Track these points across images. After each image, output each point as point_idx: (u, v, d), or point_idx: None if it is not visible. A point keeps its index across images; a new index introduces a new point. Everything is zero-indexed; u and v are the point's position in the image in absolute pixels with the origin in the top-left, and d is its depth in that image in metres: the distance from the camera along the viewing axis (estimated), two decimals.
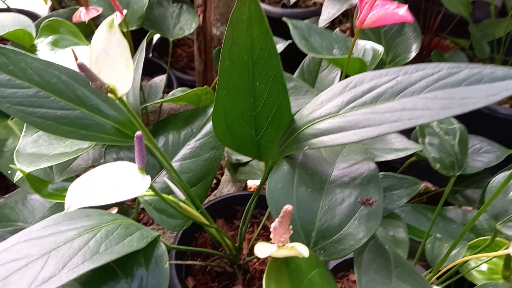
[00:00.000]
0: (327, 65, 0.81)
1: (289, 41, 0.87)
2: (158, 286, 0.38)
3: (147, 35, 0.81)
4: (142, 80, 1.06)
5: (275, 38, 0.82)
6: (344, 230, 0.39)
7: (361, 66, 0.67)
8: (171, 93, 0.80)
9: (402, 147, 0.59)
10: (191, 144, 0.62)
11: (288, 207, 0.32)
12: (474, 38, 0.96)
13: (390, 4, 0.57)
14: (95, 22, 0.82)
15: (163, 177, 0.59)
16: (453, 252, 0.52)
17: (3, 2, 1.09)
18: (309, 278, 0.34)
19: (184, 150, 0.61)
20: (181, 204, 0.49)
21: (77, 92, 0.51)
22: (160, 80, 0.93)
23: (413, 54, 0.84)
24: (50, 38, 0.71)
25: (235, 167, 0.75)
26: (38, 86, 0.50)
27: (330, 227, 0.40)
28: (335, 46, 0.76)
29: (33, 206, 0.62)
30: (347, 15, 1.17)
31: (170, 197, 0.49)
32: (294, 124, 0.45)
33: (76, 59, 0.63)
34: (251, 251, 0.63)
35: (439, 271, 0.51)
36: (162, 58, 1.24)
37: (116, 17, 0.66)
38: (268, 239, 0.67)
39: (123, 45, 0.38)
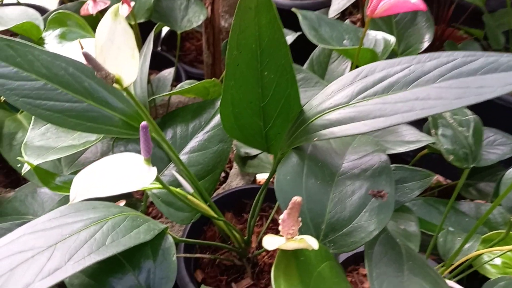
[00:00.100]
0: (337, 56, 0.80)
1: (298, 33, 0.85)
2: (166, 278, 0.38)
3: (155, 27, 0.81)
4: (150, 73, 1.06)
5: (284, 30, 0.81)
6: (355, 223, 0.38)
7: (372, 57, 0.66)
8: (179, 85, 0.79)
9: (414, 139, 0.58)
10: (199, 137, 0.61)
11: (297, 198, 0.31)
12: (488, 28, 0.94)
13: None
14: (103, 14, 0.81)
15: (171, 170, 0.58)
16: (466, 245, 0.50)
17: None
18: (319, 271, 0.33)
19: (192, 143, 0.61)
20: (189, 197, 0.49)
21: (84, 85, 0.51)
22: (168, 73, 0.92)
23: (425, 44, 0.82)
24: (58, 31, 0.71)
25: (244, 160, 0.74)
26: (46, 79, 0.49)
27: (340, 220, 0.39)
28: (345, 37, 0.75)
29: (43, 199, 0.62)
30: (358, 6, 1.15)
31: (178, 190, 0.48)
32: (303, 115, 0.44)
33: (82, 49, 0.63)
34: (260, 245, 0.63)
35: (452, 265, 0.50)
36: (171, 51, 1.24)
37: (122, 6, 0.65)
38: (277, 233, 0.67)
39: (128, 34, 0.37)
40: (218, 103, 0.64)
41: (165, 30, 1.28)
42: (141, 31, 0.84)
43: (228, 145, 0.60)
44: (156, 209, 0.77)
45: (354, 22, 1.11)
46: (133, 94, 0.53)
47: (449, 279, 0.52)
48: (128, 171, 0.35)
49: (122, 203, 0.52)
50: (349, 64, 0.76)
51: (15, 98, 0.48)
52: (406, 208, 0.56)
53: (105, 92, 0.52)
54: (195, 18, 0.92)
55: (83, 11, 0.73)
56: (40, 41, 0.71)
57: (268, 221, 0.63)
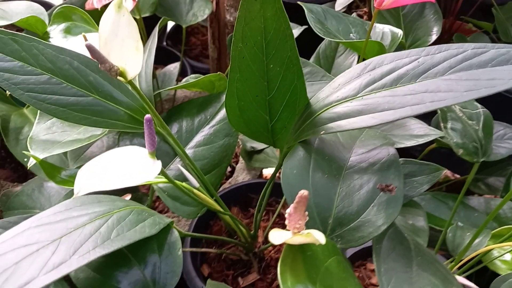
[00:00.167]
0: (344, 50, 0.79)
1: (304, 27, 0.84)
2: (172, 272, 0.38)
3: (160, 21, 0.80)
4: (156, 68, 1.06)
5: (290, 24, 0.80)
6: (362, 217, 0.38)
7: (379, 50, 0.65)
8: (184, 79, 0.79)
9: (422, 133, 0.57)
10: (205, 131, 0.61)
11: (303, 192, 0.31)
12: (498, 20, 0.92)
13: None
14: None
15: (177, 164, 0.58)
16: (476, 241, 0.50)
17: None
18: (326, 266, 0.32)
19: (198, 137, 0.60)
20: (195, 191, 0.48)
21: (89, 78, 0.51)
22: (174, 67, 0.92)
23: (433, 37, 0.81)
24: (62, 26, 0.71)
25: (250, 154, 0.74)
26: (50, 73, 0.49)
27: (348, 214, 0.38)
28: (352, 30, 0.74)
29: (50, 193, 0.62)
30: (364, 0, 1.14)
31: (184, 184, 0.48)
32: (310, 108, 0.44)
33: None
34: (266, 239, 0.63)
35: (461, 260, 0.50)
36: (176, 46, 1.23)
37: (127, 1, 0.65)
38: (284, 227, 0.67)
39: (132, 26, 0.37)
40: (224, 97, 0.63)
41: (170, 25, 1.28)
42: (146, 26, 0.84)
43: (234, 139, 0.60)
44: (162, 203, 0.77)
45: (360, 16, 1.10)
46: (138, 88, 0.53)
47: (458, 274, 0.51)
48: (132, 164, 0.35)
49: (128, 197, 0.52)
50: (356, 58, 0.75)
51: (20, 93, 0.48)
52: (414, 203, 0.55)
53: (110, 86, 0.52)
54: (200, 12, 0.91)
55: (88, 5, 0.73)
56: (45, 36, 0.71)
57: (275, 215, 0.62)
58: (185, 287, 0.57)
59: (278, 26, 0.41)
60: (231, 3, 0.91)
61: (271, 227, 0.64)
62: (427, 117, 0.53)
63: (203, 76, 0.66)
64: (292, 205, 0.32)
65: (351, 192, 0.40)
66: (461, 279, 0.42)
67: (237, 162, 0.83)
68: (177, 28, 1.28)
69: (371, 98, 0.40)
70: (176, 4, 0.93)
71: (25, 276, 0.29)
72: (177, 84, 0.89)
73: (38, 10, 0.74)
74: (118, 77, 0.39)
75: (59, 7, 0.72)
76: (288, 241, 0.31)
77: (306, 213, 0.32)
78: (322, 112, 0.42)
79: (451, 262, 0.53)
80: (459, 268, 0.51)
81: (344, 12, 0.79)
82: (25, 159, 0.65)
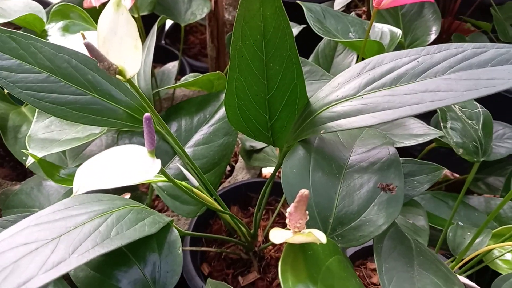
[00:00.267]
0: (343, 49, 0.79)
1: (303, 26, 0.84)
2: (171, 271, 0.37)
3: (158, 20, 0.80)
4: (154, 67, 1.06)
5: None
6: (363, 217, 0.38)
7: (378, 49, 0.65)
8: (183, 78, 0.79)
9: (422, 133, 0.57)
10: (204, 130, 0.61)
11: (304, 191, 0.31)
12: (496, 20, 0.92)
13: None
14: None
15: (176, 163, 0.58)
16: (477, 240, 0.50)
17: None
18: (327, 265, 0.32)
19: (197, 136, 0.60)
20: (195, 190, 0.48)
21: (87, 77, 0.50)
22: (172, 66, 0.92)
23: (432, 36, 0.81)
24: (60, 24, 0.71)
25: (249, 154, 0.74)
26: (49, 71, 0.49)
27: (348, 213, 0.38)
28: (351, 30, 0.74)
29: (49, 192, 0.62)
30: None
31: (183, 183, 0.48)
32: (310, 107, 0.43)
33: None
34: (266, 238, 0.62)
35: (462, 260, 0.49)
36: (175, 45, 1.23)
37: (127, 1, 0.65)
38: (283, 226, 0.66)
39: (131, 25, 0.37)
40: (223, 96, 0.63)
41: (168, 23, 1.28)
42: (144, 24, 0.84)
43: (233, 138, 0.60)
44: (161, 202, 0.77)
45: (359, 15, 1.10)
46: (137, 86, 0.53)
47: (459, 274, 0.51)
48: (131, 163, 0.35)
49: (127, 196, 0.51)
50: (355, 57, 0.75)
51: (19, 91, 0.47)
52: (414, 202, 0.55)
53: (109, 85, 0.51)
54: (198, 11, 0.91)
55: (86, 3, 0.72)
56: (43, 34, 0.71)
57: (275, 214, 0.62)
58: (185, 286, 0.56)
59: (278, 25, 0.41)
60: (229, 1, 0.91)
61: (271, 226, 0.64)
62: (426, 117, 0.53)
63: (202, 75, 0.65)
64: (292, 205, 0.31)
65: (352, 191, 0.40)
66: (462, 279, 0.42)
67: (236, 161, 0.83)
68: (175, 26, 1.27)
69: (371, 97, 0.40)
70: (175, 2, 0.93)
71: (24, 275, 0.29)
72: (176, 82, 0.89)
73: (36, 8, 0.73)
74: (117, 76, 0.39)
75: (57, 5, 0.71)
76: (289, 240, 0.31)
77: (307, 212, 0.32)
78: (322, 111, 0.42)
79: (452, 261, 0.53)
80: (460, 267, 0.51)
81: (342, 11, 0.79)
82: (24, 158, 0.65)
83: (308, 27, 0.68)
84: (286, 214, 0.32)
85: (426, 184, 0.48)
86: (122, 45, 0.37)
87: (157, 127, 0.53)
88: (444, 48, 0.40)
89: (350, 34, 0.73)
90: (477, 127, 0.52)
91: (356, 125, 0.38)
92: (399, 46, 0.82)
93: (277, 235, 0.32)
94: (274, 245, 0.60)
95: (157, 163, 0.35)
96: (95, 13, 0.75)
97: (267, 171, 0.86)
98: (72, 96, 0.50)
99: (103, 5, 0.73)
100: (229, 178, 0.78)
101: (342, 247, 0.37)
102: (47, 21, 0.71)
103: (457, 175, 0.84)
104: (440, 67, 0.39)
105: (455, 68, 0.38)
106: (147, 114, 0.34)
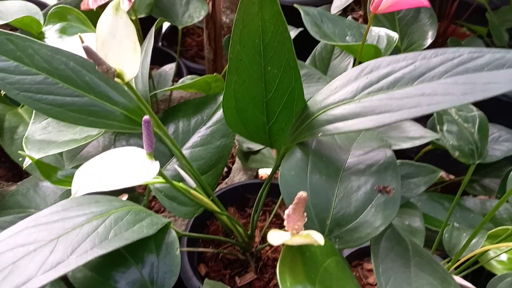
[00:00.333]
0: (340, 52, 0.79)
1: (300, 29, 0.85)
2: (169, 272, 0.37)
3: (156, 22, 0.80)
4: (151, 69, 1.06)
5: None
6: (361, 218, 0.38)
7: (375, 53, 0.66)
8: (180, 80, 0.79)
9: (418, 135, 0.57)
10: (202, 132, 0.61)
11: (302, 193, 0.31)
12: (492, 25, 0.93)
13: None
14: (103, 9, 0.81)
15: (174, 165, 0.58)
16: (472, 241, 0.50)
17: None
18: (325, 266, 0.33)
19: (195, 138, 0.60)
20: (192, 191, 0.48)
21: (85, 79, 0.50)
22: (169, 68, 0.92)
23: (429, 41, 0.82)
24: (58, 26, 0.71)
25: (246, 155, 0.74)
26: (46, 73, 0.49)
27: (346, 215, 0.39)
28: (348, 33, 0.74)
29: (45, 193, 0.62)
30: (360, 3, 1.14)
31: (181, 184, 0.48)
32: (308, 110, 0.44)
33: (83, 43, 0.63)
34: (263, 239, 0.63)
35: (458, 260, 0.50)
36: (172, 47, 1.23)
37: (123, 3, 0.65)
38: (280, 227, 0.67)
39: (130, 28, 0.37)
40: (220, 98, 0.64)
41: (165, 25, 1.28)
42: (142, 27, 0.84)
43: (230, 140, 0.60)
44: (158, 203, 0.77)
45: (356, 19, 1.11)
46: (135, 89, 0.53)
47: (455, 275, 0.51)
48: (130, 165, 0.35)
49: (125, 197, 0.51)
50: (351, 60, 0.76)
51: (16, 92, 0.47)
52: (410, 204, 0.56)
53: (107, 87, 0.52)
54: (196, 13, 0.91)
55: (83, 5, 0.72)
56: (40, 36, 0.71)
57: (271, 215, 0.62)
58: (182, 287, 0.56)
59: (276, 29, 0.41)
60: (227, 4, 0.91)
61: (268, 227, 0.64)
62: (423, 119, 0.53)
63: (199, 77, 0.66)
64: (291, 206, 0.32)
65: (349, 193, 0.40)
66: (459, 279, 0.42)
67: (233, 163, 0.83)
68: (172, 28, 1.28)
69: (368, 100, 0.40)
70: (172, 5, 0.93)
71: (23, 275, 0.29)
72: (173, 84, 0.89)
73: (33, 10, 0.73)
74: (116, 79, 0.39)
75: (54, 7, 0.71)
76: (287, 242, 0.31)
77: (305, 214, 0.32)
78: (319, 114, 0.42)
79: (448, 262, 0.53)
80: (456, 268, 0.52)
81: (339, 15, 0.80)
82: (20, 159, 0.65)
83: (305, 30, 0.68)
84: (284, 216, 0.32)
85: (423, 186, 0.49)
86: (121, 48, 0.37)
87: (154, 128, 0.53)
88: (440, 53, 0.40)
89: (347, 37, 0.74)
90: (473, 130, 0.52)
91: (354, 128, 0.39)
92: (396, 50, 0.83)
93: (275, 237, 0.32)
94: (271, 245, 0.60)
95: (156, 165, 0.35)
96: (92, 15, 0.75)
97: (264, 172, 0.86)
98: (70, 97, 0.50)
99: (101, 7, 0.73)
100: (226, 179, 0.78)
101: (340, 248, 0.37)
102: (44, 23, 0.71)
103: (453, 177, 0.85)
104: (436, 71, 0.39)
105: (452, 72, 0.39)
106: (146, 117, 0.35)
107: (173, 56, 1.15)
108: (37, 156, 0.51)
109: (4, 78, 0.47)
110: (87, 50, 0.36)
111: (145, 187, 0.71)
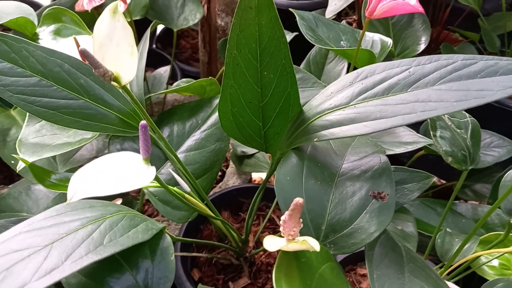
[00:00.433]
0: (334, 57, 0.80)
1: (295, 33, 0.85)
2: (164, 278, 0.37)
3: (151, 25, 0.80)
4: (146, 71, 1.05)
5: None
6: (355, 224, 0.38)
7: (370, 58, 0.66)
8: (175, 83, 0.79)
9: (411, 141, 0.58)
10: (196, 136, 0.61)
11: (298, 199, 0.31)
12: (484, 31, 0.94)
13: None
14: (98, 11, 0.81)
15: (168, 169, 0.58)
16: (465, 247, 0.51)
17: None
18: (320, 272, 0.33)
19: (189, 142, 0.60)
20: (187, 195, 0.48)
21: (80, 81, 0.50)
22: (164, 71, 0.91)
23: (422, 46, 0.83)
24: (52, 27, 0.70)
25: (240, 159, 0.74)
26: (41, 75, 0.49)
27: (341, 221, 0.39)
28: (342, 38, 0.75)
29: (37, 197, 0.61)
30: (354, 7, 1.15)
31: (175, 188, 0.48)
32: (303, 115, 0.44)
33: (79, 46, 0.62)
34: (257, 244, 0.63)
35: (450, 266, 0.50)
36: (166, 49, 1.23)
37: (120, 5, 0.65)
38: (274, 232, 0.67)
39: (127, 31, 0.37)
40: (215, 101, 0.64)
41: (160, 27, 1.28)
42: (137, 29, 0.84)
43: (225, 144, 0.60)
44: (151, 207, 0.77)
45: (350, 23, 1.11)
46: (131, 92, 0.53)
47: (447, 280, 0.52)
48: (127, 170, 0.35)
49: (119, 201, 0.51)
50: (345, 65, 0.76)
51: (9, 95, 0.47)
52: (403, 209, 0.56)
53: (102, 90, 0.51)
54: (191, 16, 0.91)
55: (78, 7, 0.72)
56: (34, 37, 0.70)
57: (265, 220, 0.62)
58: None
59: (273, 34, 0.41)
60: (222, 8, 0.91)
61: (262, 232, 0.64)
62: (415, 124, 0.54)
63: (194, 81, 0.66)
64: (287, 213, 0.32)
65: (344, 199, 0.40)
66: (451, 285, 0.43)
67: (227, 167, 0.83)
68: (167, 31, 1.27)
69: (364, 106, 0.40)
70: (167, 7, 0.93)
71: (17, 282, 0.29)
72: (167, 87, 0.89)
73: (28, 11, 0.73)
74: (112, 82, 0.39)
75: (48, 8, 0.71)
76: (283, 248, 0.31)
77: (301, 220, 0.32)
78: (315, 120, 0.42)
79: (441, 267, 0.53)
80: (448, 274, 0.52)
81: (333, 19, 0.80)
82: (13, 162, 0.64)
83: (299, 34, 0.68)
84: (280, 222, 0.32)
85: (417, 192, 0.49)
86: (118, 52, 0.37)
87: (149, 132, 0.53)
88: (435, 59, 0.41)
89: (341, 42, 0.74)
90: (465, 136, 0.53)
91: (349, 133, 0.39)
92: (389, 55, 0.83)
93: (271, 243, 0.32)
94: (265, 250, 0.60)
95: (152, 170, 0.35)
96: (87, 17, 0.75)
97: (257, 176, 0.86)
98: (64, 100, 0.49)
99: (95, 9, 0.73)
100: (220, 183, 0.78)
101: (334, 254, 0.38)
102: (38, 24, 0.70)
103: (444, 182, 0.86)
104: (431, 78, 0.40)
105: (446, 79, 0.39)
106: (143, 122, 0.35)
107: (167, 58, 1.14)
108: (30, 159, 0.50)
109: None
110: (84, 53, 0.36)
111: (138, 190, 0.71)
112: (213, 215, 0.51)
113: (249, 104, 0.46)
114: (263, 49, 0.42)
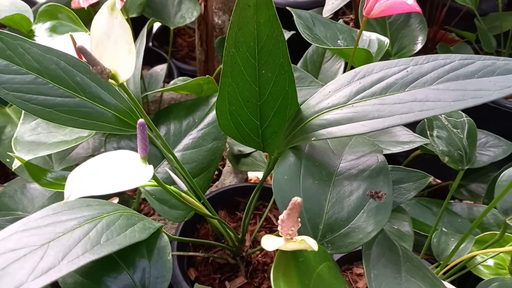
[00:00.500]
0: (331, 56, 0.80)
1: (292, 32, 0.85)
2: (161, 277, 0.37)
3: (148, 22, 0.80)
4: (142, 69, 1.05)
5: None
6: (353, 223, 0.38)
7: (367, 57, 0.66)
8: (172, 82, 0.78)
9: (408, 140, 0.58)
10: (193, 134, 0.61)
11: (296, 199, 0.31)
12: (480, 31, 0.95)
13: None
14: (94, 8, 0.80)
15: (165, 167, 0.57)
16: (460, 247, 0.51)
17: None
18: (318, 272, 0.33)
19: (186, 140, 0.60)
20: (183, 194, 0.48)
21: (76, 79, 0.50)
22: (160, 69, 0.91)
23: (419, 46, 0.83)
24: (48, 24, 0.70)
25: (237, 158, 0.74)
26: (37, 72, 0.48)
27: (338, 220, 0.39)
28: (339, 37, 0.75)
29: (33, 195, 0.61)
30: (351, 6, 1.15)
31: (172, 187, 0.48)
32: (301, 115, 0.44)
33: (75, 44, 0.62)
34: (253, 243, 0.63)
35: (446, 265, 0.51)
36: (162, 47, 1.22)
37: (117, 3, 0.64)
38: (271, 231, 0.67)
39: (125, 29, 0.37)
40: (212, 100, 0.63)
41: (156, 25, 1.27)
42: (133, 26, 0.83)
43: (222, 143, 0.60)
44: (147, 206, 0.77)
45: (347, 22, 1.11)
46: (129, 90, 0.52)
47: (443, 280, 0.52)
48: (124, 169, 0.34)
49: (115, 200, 0.51)
50: (342, 64, 0.76)
51: (5, 92, 0.47)
52: (399, 208, 0.56)
53: (98, 88, 0.51)
54: (188, 14, 0.91)
55: (74, 4, 0.72)
56: (30, 34, 0.70)
57: (262, 219, 0.62)
58: None
59: (271, 32, 0.41)
60: (219, 6, 0.91)
61: (259, 231, 0.64)
62: (412, 124, 0.54)
63: (191, 79, 0.65)
64: (285, 212, 0.32)
65: (341, 198, 0.40)
66: (448, 285, 0.43)
67: (224, 166, 0.83)
68: (163, 28, 1.27)
69: (361, 106, 0.40)
70: (164, 5, 0.92)
71: (13, 281, 0.28)
72: (164, 86, 0.89)
73: (23, 7, 0.72)
74: (109, 80, 0.38)
75: (44, 5, 0.70)
76: (281, 247, 0.31)
77: (299, 219, 0.32)
78: (312, 119, 0.42)
79: (436, 267, 0.54)
80: (444, 273, 0.52)
81: (330, 18, 0.80)
82: (8, 160, 0.63)
83: (297, 33, 0.68)
84: (278, 221, 0.32)
85: (413, 192, 0.49)
86: (116, 49, 0.37)
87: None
88: (432, 59, 0.41)
89: (338, 41, 0.74)
90: (462, 136, 0.53)
91: (347, 133, 0.39)
92: (386, 54, 0.84)
93: (269, 242, 0.32)
94: (261, 250, 0.60)
95: (150, 169, 0.35)
96: (83, 14, 0.75)
97: (254, 175, 0.86)
98: (60, 98, 0.49)
99: (92, 6, 0.73)
100: (217, 182, 0.78)
101: (331, 253, 0.38)
102: (34, 21, 0.70)
103: (440, 181, 0.86)
104: (428, 77, 0.40)
105: (443, 78, 0.39)
106: (141, 120, 0.34)
107: (164, 56, 1.14)
108: (26, 157, 0.50)
109: None
110: (82, 50, 0.36)
111: (135, 189, 0.70)
112: (210, 214, 0.51)
113: (247, 102, 0.45)
114: (261, 48, 0.42)
